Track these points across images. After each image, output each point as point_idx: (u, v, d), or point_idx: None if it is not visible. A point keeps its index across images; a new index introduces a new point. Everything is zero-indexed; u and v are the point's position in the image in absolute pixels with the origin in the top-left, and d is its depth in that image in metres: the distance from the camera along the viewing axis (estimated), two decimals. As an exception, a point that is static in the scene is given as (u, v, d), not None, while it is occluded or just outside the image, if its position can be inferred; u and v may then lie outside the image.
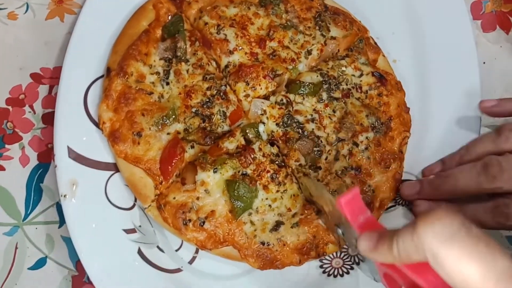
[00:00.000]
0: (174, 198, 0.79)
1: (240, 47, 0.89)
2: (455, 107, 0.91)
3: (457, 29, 0.95)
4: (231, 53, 0.88)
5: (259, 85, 0.86)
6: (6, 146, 0.89)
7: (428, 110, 0.92)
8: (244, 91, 0.86)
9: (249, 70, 0.86)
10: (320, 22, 0.93)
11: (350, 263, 0.84)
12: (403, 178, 0.87)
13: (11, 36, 0.95)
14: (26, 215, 0.86)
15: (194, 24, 0.91)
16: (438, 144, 0.90)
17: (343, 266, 0.84)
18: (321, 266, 0.84)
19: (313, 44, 0.91)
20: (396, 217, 0.87)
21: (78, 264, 0.81)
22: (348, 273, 0.83)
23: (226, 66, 0.88)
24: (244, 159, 0.81)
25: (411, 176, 0.89)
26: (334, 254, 0.84)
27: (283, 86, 0.88)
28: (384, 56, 0.94)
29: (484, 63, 1.00)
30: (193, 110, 0.85)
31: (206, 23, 0.90)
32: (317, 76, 0.89)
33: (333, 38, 0.92)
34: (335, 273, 0.83)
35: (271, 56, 0.89)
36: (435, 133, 0.91)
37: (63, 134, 0.83)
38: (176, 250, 0.83)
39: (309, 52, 0.90)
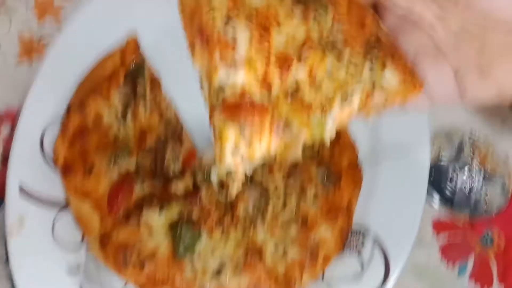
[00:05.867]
0: (117, 236, 0.81)
1: (253, 60, 0.54)
2: (403, 164, 0.92)
3: None
4: (235, 67, 0.54)
5: (260, 140, 0.54)
6: (-39, 183, 0.91)
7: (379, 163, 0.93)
8: (234, 144, 0.54)
9: (251, 117, 0.53)
10: (375, 51, 0.58)
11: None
12: (353, 225, 0.88)
13: (-20, 79, 0.99)
14: (-27, 250, 0.87)
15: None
16: (387, 195, 0.91)
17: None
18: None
19: (355, 90, 0.57)
20: (343, 264, 0.87)
21: (20, 302, 0.82)
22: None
23: (220, 90, 0.55)
24: (189, 203, 0.83)
25: (360, 224, 0.89)
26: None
27: (299, 150, 0.57)
28: None
29: (435, 115, 1.02)
30: (146, 150, 0.88)
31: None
32: None
33: (381, 87, 0.58)
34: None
35: (289, 97, 0.56)
36: (383, 185, 0.92)
37: (16, 171, 0.86)
38: (121, 291, 0.84)
39: (347, 101, 0.56)
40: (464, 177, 0.99)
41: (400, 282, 0.88)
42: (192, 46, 0.56)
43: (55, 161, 0.86)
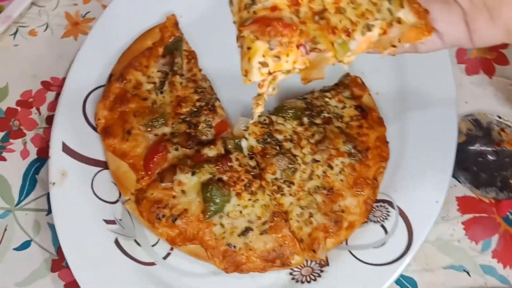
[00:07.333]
0: (152, 194, 0.85)
1: None
2: (431, 140, 0.94)
3: (438, 72, 0.98)
4: None
5: (287, 55, 0.58)
6: (10, 140, 0.99)
7: (406, 141, 0.95)
8: (263, 56, 0.58)
9: (282, 29, 0.57)
10: None
11: (319, 270, 0.86)
12: (378, 198, 0.90)
13: (29, 49, 1.07)
14: (19, 202, 0.94)
15: None
16: (413, 169, 0.92)
17: (312, 274, 0.86)
18: (290, 273, 0.87)
19: (376, 19, 0.64)
20: (367, 233, 0.88)
21: (59, 250, 0.87)
22: (316, 279, 0.85)
23: (252, 2, 0.60)
24: (221, 166, 0.87)
25: (385, 196, 0.91)
26: (304, 263, 0.86)
27: (322, 70, 0.63)
28: (370, 94, 0.97)
29: (466, 102, 1.05)
30: (182, 117, 0.92)
31: None
32: (301, 103, 0.94)
33: (399, 21, 0.65)
34: (303, 280, 0.85)
35: (317, 18, 0.61)
36: (410, 160, 0.93)
37: (60, 130, 0.92)
38: (153, 246, 0.88)
39: (368, 28, 0.63)
40: (492, 158, 1.00)
41: (423, 254, 0.90)
42: None
43: (96, 123, 0.92)
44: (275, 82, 0.62)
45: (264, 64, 0.58)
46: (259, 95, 0.64)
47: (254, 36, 0.58)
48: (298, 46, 0.59)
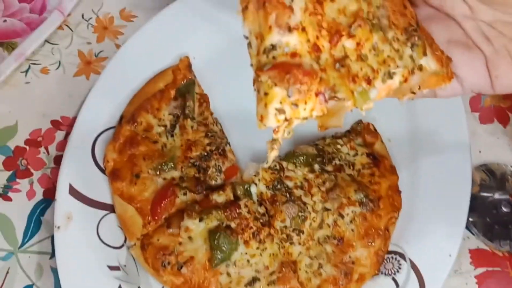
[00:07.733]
0: (158, 240, 0.84)
1: (304, 28, 0.59)
2: (445, 190, 0.92)
3: (451, 120, 0.97)
4: (290, 31, 0.58)
5: (305, 103, 0.58)
6: (17, 180, 0.97)
7: (418, 191, 0.94)
8: (280, 103, 0.57)
9: (302, 77, 0.56)
10: (415, 39, 0.64)
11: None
12: (390, 249, 0.88)
13: (40, 87, 1.06)
14: (23, 244, 0.92)
15: None
16: (425, 220, 0.91)
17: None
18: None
19: (398, 66, 0.63)
20: (378, 286, 0.86)
21: (61, 296, 0.85)
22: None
23: (272, 47, 0.58)
24: (229, 212, 0.85)
25: (397, 248, 0.89)
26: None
27: (340, 118, 0.65)
28: (382, 142, 0.96)
29: (480, 152, 1.04)
30: (191, 161, 0.91)
31: None
32: (313, 149, 0.93)
33: (420, 68, 0.64)
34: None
35: (337, 65, 0.60)
36: (422, 210, 0.92)
37: (67, 172, 0.90)
38: (157, 294, 0.85)
39: (389, 75, 0.62)
40: (506, 210, 0.98)
41: (435, 309, 0.87)
42: (244, 10, 0.60)
43: (104, 165, 0.91)
44: (291, 127, 0.60)
45: (280, 111, 0.57)
46: (274, 139, 0.63)
47: (272, 82, 0.57)
48: (317, 94, 0.58)
